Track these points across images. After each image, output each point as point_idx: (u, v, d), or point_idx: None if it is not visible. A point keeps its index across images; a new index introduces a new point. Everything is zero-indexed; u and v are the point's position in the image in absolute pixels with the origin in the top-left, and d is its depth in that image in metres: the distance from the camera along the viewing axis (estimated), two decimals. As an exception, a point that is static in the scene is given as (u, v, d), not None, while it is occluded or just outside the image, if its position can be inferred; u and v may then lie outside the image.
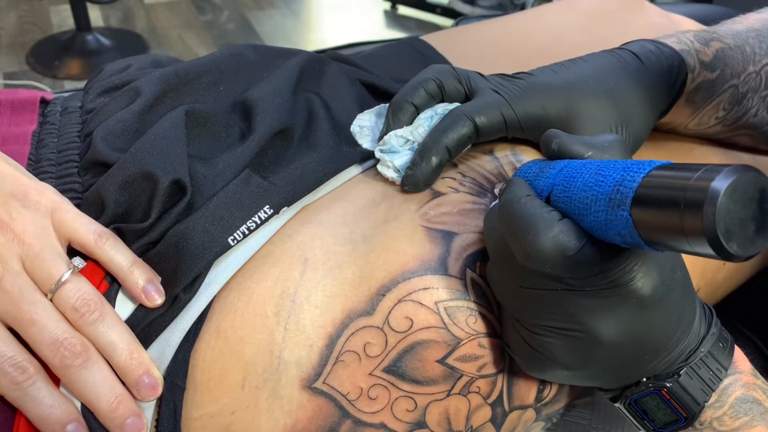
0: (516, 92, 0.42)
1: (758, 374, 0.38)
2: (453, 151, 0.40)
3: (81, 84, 0.48)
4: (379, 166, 0.42)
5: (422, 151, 0.40)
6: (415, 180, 0.40)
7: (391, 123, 0.42)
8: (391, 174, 0.41)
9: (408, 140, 0.42)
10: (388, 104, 0.45)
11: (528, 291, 0.33)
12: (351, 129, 0.46)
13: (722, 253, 0.23)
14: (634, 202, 0.26)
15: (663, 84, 0.44)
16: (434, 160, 0.39)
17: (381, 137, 0.43)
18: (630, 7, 0.65)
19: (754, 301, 0.63)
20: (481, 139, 0.41)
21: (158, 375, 0.36)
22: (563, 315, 0.32)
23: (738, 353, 0.37)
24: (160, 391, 0.36)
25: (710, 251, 0.23)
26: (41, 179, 0.40)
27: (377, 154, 0.42)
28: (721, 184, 0.23)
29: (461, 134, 0.40)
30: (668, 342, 0.33)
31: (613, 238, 0.28)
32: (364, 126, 0.46)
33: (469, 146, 0.41)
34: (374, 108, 0.47)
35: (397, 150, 0.41)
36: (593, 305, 0.31)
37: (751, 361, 0.57)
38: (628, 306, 0.31)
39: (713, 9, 0.95)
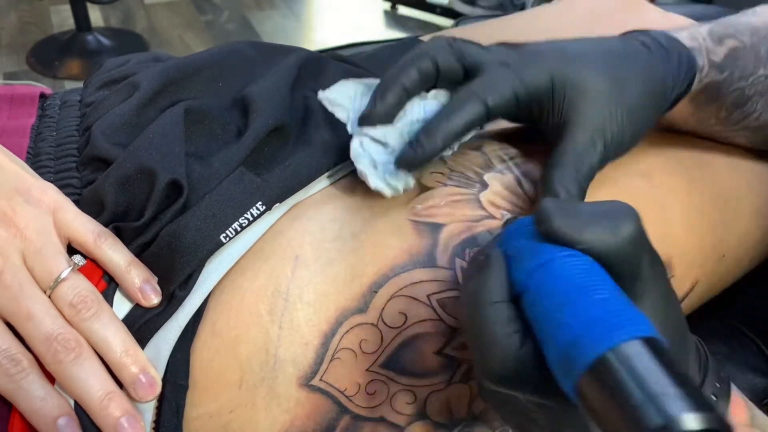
0: (524, 62, 0.39)
1: (760, 421, 0.35)
2: (461, 136, 0.38)
3: (81, 84, 0.48)
4: (361, 173, 0.39)
5: (428, 132, 0.37)
6: (412, 161, 0.37)
7: (377, 104, 0.39)
8: (378, 184, 0.38)
9: (383, 144, 0.39)
10: (372, 81, 0.42)
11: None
12: (322, 95, 0.42)
13: None
14: (583, 376, 0.23)
15: (669, 81, 0.43)
16: (439, 143, 0.37)
17: (363, 119, 0.39)
18: (629, 7, 0.65)
19: (754, 301, 0.62)
20: (487, 122, 0.39)
21: (155, 374, 0.35)
22: (536, 414, 0.30)
23: (736, 402, 0.34)
24: (157, 390, 0.35)
25: None
26: (40, 173, 0.40)
27: (359, 167, 0.38)
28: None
29: (472, 118, 0.37)
30: None
31: (569, 394, 0.25)
32: (341, 98, 0.42)
33: (475, 131, 0.40)
34: (358, 80, 0.43)
35: (373, 158, 0.39)
36: (563, 417, 0.29)
37: (751, 362, 0.57)
38: None
39: (713, 9, 0.95)
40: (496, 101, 0.38)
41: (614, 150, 0.41)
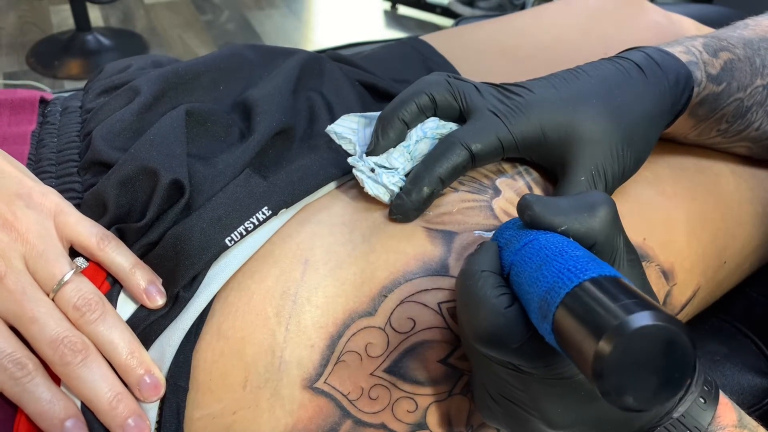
0: (514, 113, 0.40)
1: (747, 422, 0.36)
2: (447, 181, 0.39)
3: (81, 84, 0.48)
4: (367, 187, 0.40)
5: (414, 180, 0.38)
6: (405, 210, 0.38)
7: (380, 139, 0.41)
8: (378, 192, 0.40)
9: (388, 168, 0.40)
10: (373, 114, 0.44)
11: (489, 361, 0.32)
12: (329, 129, 0.45)
13: (617, 406, 0.22)
14: (557, 312, 0.25)
15: (668, 100, 0.43)
16: (426, 190, 0.38)
17: (370, 152, 0.41)
18: (630, 7, 0.65)
19: (754, 301, 0.63)
20: (477, 166, 0.40)
21: (160, 375, 0.35)
22: (519, 391, 0.31)
23: (723, 405, 0.34)
24: (162, 391, 0.35)
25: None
26: (41, 179, 0.40)
27: (356, 173, 0.40)
28: (617, 337, 0.21)
29: (456, 163, 0.38)
30: (631, 423, 0.32)
31: (549, 341, 0.27)
32: (346, 131, 0.44)
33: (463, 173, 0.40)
34: (361, 114, 0.46)
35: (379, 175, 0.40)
36: (544, 391, 0.30)
37: (751, 362, 0.57)
38: (579, 397, 0.30)
39: (713, 9, 0.95)
40: (480, 148, 0.39)
41: (618, 183, 0.41)
